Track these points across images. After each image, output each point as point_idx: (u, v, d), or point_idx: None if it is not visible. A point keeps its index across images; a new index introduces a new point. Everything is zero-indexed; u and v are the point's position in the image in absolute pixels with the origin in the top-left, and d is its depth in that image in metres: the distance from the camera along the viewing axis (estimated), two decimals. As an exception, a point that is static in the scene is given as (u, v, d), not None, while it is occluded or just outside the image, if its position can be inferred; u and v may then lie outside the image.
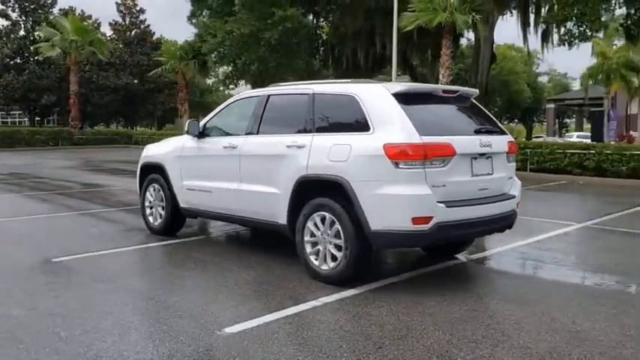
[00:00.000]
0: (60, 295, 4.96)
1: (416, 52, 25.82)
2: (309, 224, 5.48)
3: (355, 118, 5.28)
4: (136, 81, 43.72)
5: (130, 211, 9.64)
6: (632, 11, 19.11)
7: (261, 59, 23.11)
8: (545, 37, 22.50)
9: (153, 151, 7.74)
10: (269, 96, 6.25)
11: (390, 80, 18.96)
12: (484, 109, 6.13)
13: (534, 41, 20.96)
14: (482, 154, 5.33)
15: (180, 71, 30.69)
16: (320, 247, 5.41)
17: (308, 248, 5.52)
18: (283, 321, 4.39)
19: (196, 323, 4.29)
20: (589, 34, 16.34)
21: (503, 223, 5.60)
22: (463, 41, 31.89)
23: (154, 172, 7.54)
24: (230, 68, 26.12)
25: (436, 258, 6.30)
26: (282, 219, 5.77)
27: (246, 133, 6.28)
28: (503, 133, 5.84)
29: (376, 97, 5.23)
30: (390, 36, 24.25)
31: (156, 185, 7.48)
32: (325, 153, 5.32)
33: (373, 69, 26.95)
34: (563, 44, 17.60)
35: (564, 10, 15.59)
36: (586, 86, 37.77)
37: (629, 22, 19.50)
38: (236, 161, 6.25)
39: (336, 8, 23.09)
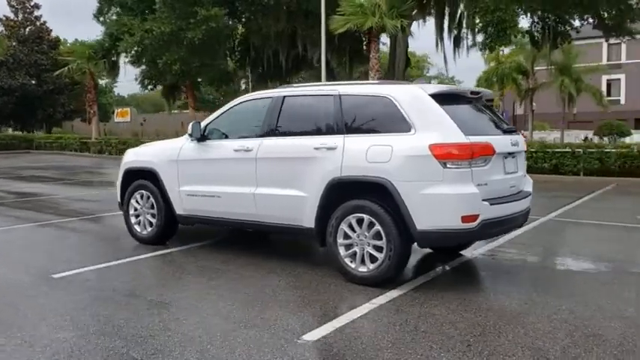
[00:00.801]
0: (111, 314, 4.57)
1: (336, 55, 26.18)
2: (343, 226, 5.42)
3: (392, 119, 5.28)
4: (33, 82, 40.66)
5: (92, 220, 9.03)
6: (536, 20, 20.74)
7: (184, 59, 22.39)
8: (457, 43, 23.69)
9: (140, 156, 7.30)
10: (284, 97, 6.10)
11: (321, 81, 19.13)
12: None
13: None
14: (511, 153, 5.55)
15: (88, 71, 28.98)
16: (356, 249, 5.37)
17: (342, 251, 5.46)
18: (354, 325, 4.32)
19: (269, 334, 4.12)
20: (509, 39, 17.45)
21: (522, 220, 5.84)
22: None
23: (141, 177, 7.12)
24: (144, 67, 24.98)
25: (444, 256, 6.45)
26: (307, 222, 5.66)
27: (261, 136, 6.09)
28: (517, 131, 6.11)
29: (414, 98, 5.28)
30: (311, 38, 24.51)
31: (144, 192, 7.06)
32: (362, 154, 5.28)
33: (292, 71, 27.01)
34: (482, 49, 18.70)
35: (485, 17, 16.54)
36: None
37: (533, 29, 21.14)
38: (251, 164, 6.04)
39: (258, 10, 22.86)
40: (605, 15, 18.35)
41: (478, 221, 4.97)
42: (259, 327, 4.26)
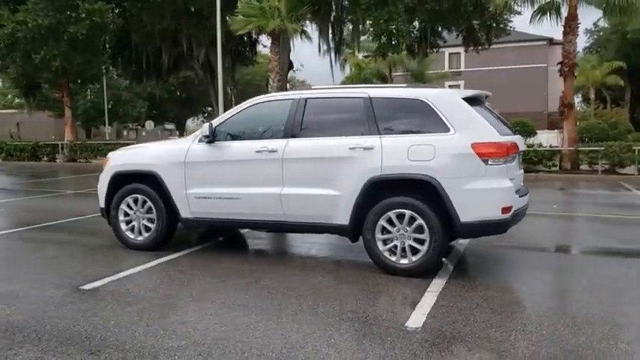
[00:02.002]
0: (193, 324, 4.43)
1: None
2: (382, 222, 5.74)
3: (429, 120, 5.70)
4: None
5: (64, 227, 8.28)
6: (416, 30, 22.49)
7: (65, 55, 20.64)
8: (338, 50, 24.77)
9: (133, 159, 6.95)
10: (306, 99, 6.24)
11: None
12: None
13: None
14: (521, 152, 6.25)
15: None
16: (396, 242, 5.71)
17: (380, 245, 5.77)
18: (439, 309, 4.68)
19: (378, 326, 4.34)
20: (401, 48, 18.76)
21: (524, 214, 6.52)
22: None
23: (135, 181, 6.80)
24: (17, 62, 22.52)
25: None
26: (340, 219, 5.90)
27: (285, 137, 6.17)
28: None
29: (449, 101, 5.76)
30: (196, 37, 24.05)
31: (139, 196, 6.76)
32: (403, 153, 5.64)
33: (173, 70, 26.22)
34: (372, 56, 19.87)
35: (380, 27, 17.63)
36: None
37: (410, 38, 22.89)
38: (277, 165, 6.11)
39: (144, 6, 21.84)
40: (478, 28, 20.55)
41: (512, 212, 5.59)
42: (365, 318, 4.45)
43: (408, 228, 5.66)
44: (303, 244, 7.41)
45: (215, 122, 6.57)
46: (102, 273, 5.79)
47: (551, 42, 50.64)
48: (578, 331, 4.21)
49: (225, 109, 29.64)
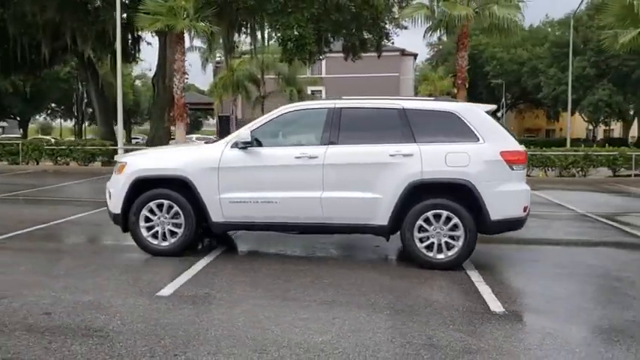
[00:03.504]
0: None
1: (103, 51, 24.51)
2: (420, 222, 6.39)
3: (460, 130, 6.44)
4: None
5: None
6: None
7: None
8: (230, 52, 24.82)
9: (159, 164, 6.84)
10: (341, 109, 6.67)
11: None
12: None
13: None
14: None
15: None
16: (433, 240, 6.39)
17: (417, 243, 6.41)
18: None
19: (463, 316, 5.00)
20: (307, 54, 19.43)
21: None
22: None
23: (159, 187, 6.72)
24: None
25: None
26: (380, 220, 6.44)
27: (323, 144, 6.54)
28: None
29: (476, 114, 6.55)
30: (82, 31, 22.64)
31: (164, 201, 6.71)
32: (440, 160, 6.34)
33: (51, 63, 24.29)
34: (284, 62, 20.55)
35: (287, 33, 18.19)
36: (219, 95, 41.66)
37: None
38: (317, 170, 6.47)
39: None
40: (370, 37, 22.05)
41: (528, 211, 6.55)
42: (451, 309, 5.08)
43: (444, 227, 6.36)
44: (308, 244, 7.76)
45: (248, 129, 6.72)
46: (162, 280, 5.74)
47: (402, 53, 54.81)
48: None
49: (109, 109, 28.04)
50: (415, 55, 57.26)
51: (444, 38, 60.78)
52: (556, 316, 4.88)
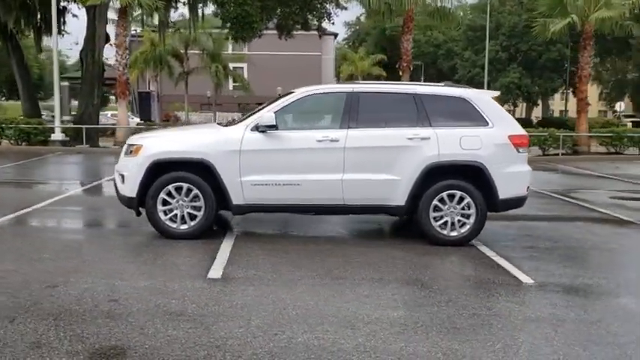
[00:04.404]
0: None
1: (25, 23, 22.90)
2: (435, 201, 6.78)
3: (470, 115, 6.85)
4: None
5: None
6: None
7: None
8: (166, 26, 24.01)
9: (177, 147, 6.76)
10: (359, 93, 6.89)
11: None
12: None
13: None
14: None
15: None
16: (447, 218, 6.80)
17: (432, 221, 6.81)
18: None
19: (507, 289, 5.48)
20: (254, 33, 19.20)
21: None
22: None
23: (180, 169, 6.68)
24: None
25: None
26: (398, 201, 6.77)
27: (344, 127, 6.74)
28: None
29: (485, 100, 6.98)
30: (4, 1, 21.11)
31: (184, 184, 6.67)
32: (455, 143, 6.73)
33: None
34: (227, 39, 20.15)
35: (235, 10, 17.92)
36: (141, 70, 40.06)
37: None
38: (339, 153, 6.67)
39: None
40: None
41: (529, 189, 7.12)
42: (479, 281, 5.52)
43: (457, 206, 6.78)
44: (307, 224, 7.95)
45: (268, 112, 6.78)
46: (200, 263, 5.79)
47: (323, 33, 55.07)
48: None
49: (32, 84, 26.12)
50: (335, 35, 57.75)
51: (362, 19, 61.92)
52: (576, 286, 5.44)
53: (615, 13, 18.07)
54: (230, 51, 52.12)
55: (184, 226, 6.72)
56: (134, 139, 7.03)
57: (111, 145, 20.75)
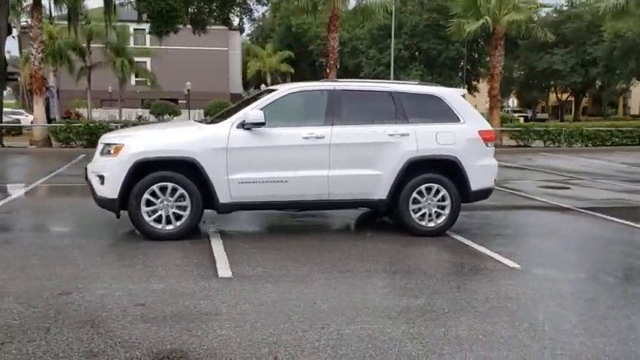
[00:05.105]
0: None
1: None
2: (414, 194, 7.11)
3: (444, 112, 7.23)
4: None
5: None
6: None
7: None
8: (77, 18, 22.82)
9: (161, 146, 6.56)
10: (340, 90, 7.05)
11: None
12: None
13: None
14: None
15: None
16: (425, 210, 7.15)
17: (412, 214, 7.13)
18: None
19: (498, 274, 5.90)
20: (175, 27, 18.62)
21: None
22: None
23: (165, 168, 6.52)
24: None
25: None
26: (379, 195, 7.03)
27: (327, 124, 6.87)
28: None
29: (456, 97, 7.39)
30: None
31: (169, 184, 6.53)
32: (432, 139, 7.08)
33: None
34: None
35: (158, 4, 17.38)
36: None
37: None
38: (324, 150, 6.81)
39: None
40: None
41: (495, 182, 7.63)
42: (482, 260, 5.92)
43: (434, 198, 7.14)
44: (281, 219, 8.04)
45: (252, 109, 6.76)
46: (203, 262, 5.73)
47: (230, 28, 54.42)
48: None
49: None
50: (241, 31, 57.25)
51: (267, 15, 61.84)
52: (557, 267, 5.97)
53: (523, 16, 19.50)
54: (132, 44, 50.31)
55: (170, 227, 6.57)
56: (111, 139, 6.74)
57: (27, 144, 19.39)
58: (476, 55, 53.78)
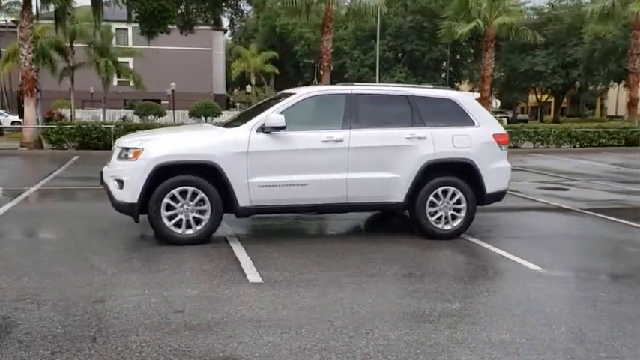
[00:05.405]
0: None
1: None
2: (431, 197, 7.16)
3: (459, 115, 7.30)
4: None
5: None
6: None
7: None
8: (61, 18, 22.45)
9: (182, 150, 6.51)
10: (358, 94, 7.07)
11: None
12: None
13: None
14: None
15: None
16: (442, 213, 7.20)
17: (429, 216, 7.18)
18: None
19: (522, 275, 5.98)
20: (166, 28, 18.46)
21: None
22: None
23: (185, 172, 6.47)
24: None
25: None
26: (397, 198, 7.07)
27: (346, 128, 6.88)
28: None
29: (471, 101, 7.46)
30: None
31: (189, 188, 6.49)
32: (449, 142, 7.14)
33: None
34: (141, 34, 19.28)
35: (151, 4, 17.21)
36: (10, 66, 36.90)
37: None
38: (343, 153, 6.83)
39: None
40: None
41: (507, 185, 7.72)
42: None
43: (450, 201, 7.20)
44: (291, 222, 8.04)
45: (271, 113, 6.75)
46: (229, 267, 5.71)
47: (213, 28, 54.12)
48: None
49: None
50: (225, 31, 57.00)
51: (250, 15, 61.61)
52: (581, 269, 6.06)
53: (514, 19, 19.74)
54: (114, 44, 49.74)
55: (190, 231, 6.53)
56: (130, 143, 6.67)
57: (17, 146, 19.04)
58: (458, 57, 54.29)
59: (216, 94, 53.39)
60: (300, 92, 7.08)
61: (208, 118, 38.38)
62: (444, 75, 54.48)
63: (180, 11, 20.28)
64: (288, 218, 8.15)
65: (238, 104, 51.89)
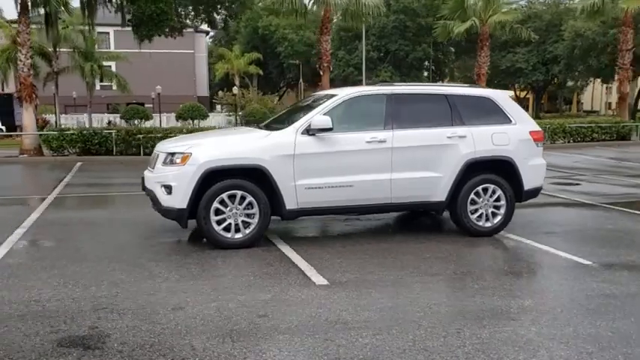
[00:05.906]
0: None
1: None
2: (472, 195, 7.21)
3: (496, 113, 7.36)
4: None
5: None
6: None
7: None
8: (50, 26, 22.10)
9: (231, 154, 6.45)
10: (397, 95, 7.09)
11: None
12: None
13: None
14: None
15: None
16: (482, 210, 7.26)
17: (470, 214, 7.23)
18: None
19: (581, 271, 6.05)
20: (164, 30, 18.26)
21: None
22: None
23: (233, 176, 6.43)
24: None
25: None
26: (438, 197, 7.11)
27: (388, 128, 6.90)
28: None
29: (506, 98, 7.53)
30: None
31: (238, 192, 6.44)
32: (488, 140, 7.20)
33: None
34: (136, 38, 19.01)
35: (149, 7, 17.03)
36: (4, 70, 36.23)
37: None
38: (387, 153, 6.84)
39: None
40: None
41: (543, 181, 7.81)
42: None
43: (490, 199, 7.26)
44: (335, 224, 8.03)
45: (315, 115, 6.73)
46: (290, 270, 5.68)
47: (196, 30, 53.72)
48: None
49: None
50: (207, 33, 56.66)
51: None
52: (632, 264, 6.16)
53: (510, 17, 19.97)
54: (96, 49, 49.08)
55: (239, 235, 6.48)
56: (176, 148, 6.58)
57: (17, 153, 18.61)
58: (441, 56, 54.66)
59: (200, 97, 52.93)
60: (342, 93, 7.07)
61: (195, 121, 38.09)
62: (426, 74, 54.86)
63: (181, 13, 20.09)
64: (319, 220, 8.11)
65: (219, 106, 51.50)
